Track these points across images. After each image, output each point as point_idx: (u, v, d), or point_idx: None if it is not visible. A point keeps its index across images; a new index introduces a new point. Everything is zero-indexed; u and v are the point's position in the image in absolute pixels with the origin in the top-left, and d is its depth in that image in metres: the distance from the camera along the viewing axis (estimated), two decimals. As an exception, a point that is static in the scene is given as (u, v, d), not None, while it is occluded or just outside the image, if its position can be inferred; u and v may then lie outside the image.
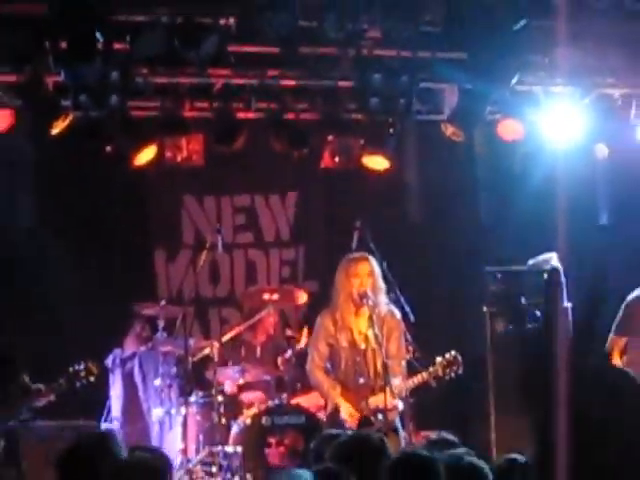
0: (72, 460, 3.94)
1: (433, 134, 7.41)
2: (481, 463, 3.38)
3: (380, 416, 6.23)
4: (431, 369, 6.27)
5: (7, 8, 6.40)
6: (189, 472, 6.38)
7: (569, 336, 6.99)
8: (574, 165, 6.71)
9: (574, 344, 7.19)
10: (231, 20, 6.56)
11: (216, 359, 7.02)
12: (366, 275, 6.28)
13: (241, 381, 6.90)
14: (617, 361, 6.74)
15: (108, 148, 6.89)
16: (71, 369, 6.48)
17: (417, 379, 6.32)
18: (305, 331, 7.05)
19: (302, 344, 6.98)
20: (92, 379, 6.59)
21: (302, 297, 7.69)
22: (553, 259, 6.87)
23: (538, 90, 6.88)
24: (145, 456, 4.17)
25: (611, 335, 6.83)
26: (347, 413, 6.31)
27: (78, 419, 6.17)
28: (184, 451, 6.44)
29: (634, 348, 6.74)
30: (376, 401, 6.21)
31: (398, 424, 6.39)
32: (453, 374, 6.34)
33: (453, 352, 6.33)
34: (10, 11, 6.43)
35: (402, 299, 6.52)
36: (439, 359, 6.29)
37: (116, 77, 6.66)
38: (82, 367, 6.49)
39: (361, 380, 6.33)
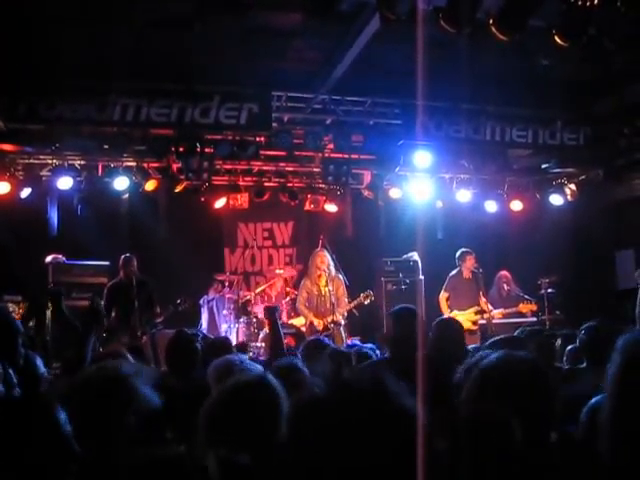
0: (176, 343, 5.04)
1: (358, 195, 11.06)
2: None
3: (332, 326, 9.58)
4: (357, 300, 9.77)
5: (155, 131, 9.54)
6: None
7: (421, 290, 10.62)
8: (425, 209, 10.83)
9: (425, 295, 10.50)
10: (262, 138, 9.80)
11: (252, 301, 10.75)
12: (324, 258, 9.68)
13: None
14: (444, 304, 10.14)
15: (202, 199, 10.74)
16: (177, 300, 9.05)
17: (350, 305, 9.75)
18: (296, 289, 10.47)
19: (294, 295, 10.59)
20: (187, 307, 9.08)
21: (294, 272, 11.61)
22: (415, 255, 10.93)
23: (407, 174, 10.78)
24: (221, 339, 6.53)
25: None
26: (317, 324, 9.61)
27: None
28: (236, 345, 8.42)
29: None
30: (331, 319, 9.57)
31: (342, 330, 9.71)
32: (367, 302, 9.82)
33: (369, 291, 9.81)
34: (156, 133, 9.60)
35: (341, 272, 9.81)
36: (362, 294, 9.79)
37: (206, 165, 10.11)
38: (182, 300, 9.00)
39: (322, 309, 9.74)
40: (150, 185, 10.40)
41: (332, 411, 1.48)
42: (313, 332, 9.45)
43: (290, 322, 10.48)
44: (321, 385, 1.55)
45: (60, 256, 9.68)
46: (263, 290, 11.12)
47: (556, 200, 11.42)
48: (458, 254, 10.23)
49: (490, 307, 9.82)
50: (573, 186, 11.41)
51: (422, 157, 10.37)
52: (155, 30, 7.74)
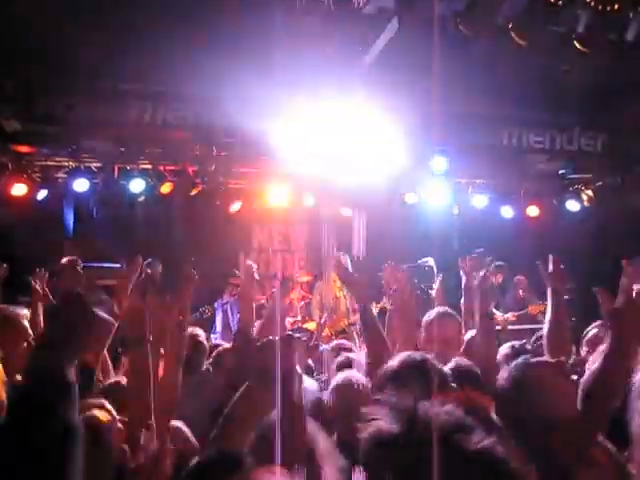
0: None
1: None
2: None
3: (350, 328, 9.74)
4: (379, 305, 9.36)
5: (172, 133, 9.71)
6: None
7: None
8: (440, 214, 11.06)
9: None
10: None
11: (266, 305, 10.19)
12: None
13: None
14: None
15: (218, 202, 10.89)
16: (201, 309, 9.42)
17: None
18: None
19: (308, 299, 10.88)
20: (209, 314, 9.55)
21: (310, 276, 11.72)
22: (430, 261, 10.42)
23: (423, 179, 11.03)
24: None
25: None
26: (327, 332, 9.72)
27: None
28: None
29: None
30: (346, 322, 9.77)
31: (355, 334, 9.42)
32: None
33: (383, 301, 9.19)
34: (173, 135, 9.92)
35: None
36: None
37: (223, 168, 10.39)
38: (205, 309, 9.47)
39: (337, 312, 10.07)
40: (166, 188, 10.51)
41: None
42: (322, 334, 9.47)
43: (305, 326, 10.48)
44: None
45: (75, 258, 9.72)
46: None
47: (573, 206, 11.45)
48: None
49: (498, 313, 9.72)
50: (590, 192, 11.40)
51: (438, 162, 10.45)
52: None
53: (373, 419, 1.52)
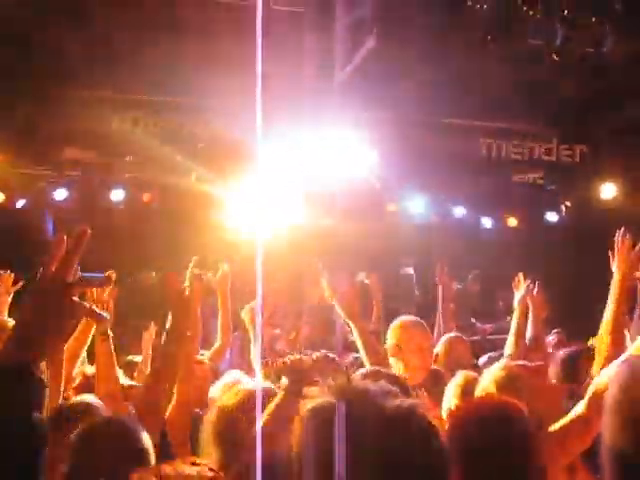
0: None
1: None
2: None
3: None
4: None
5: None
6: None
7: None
8: (420, 224, 11.45)
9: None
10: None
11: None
12: None
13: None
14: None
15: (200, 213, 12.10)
16: None
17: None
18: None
19: None
20: None
21: None
22: (410, 270, 11.04)
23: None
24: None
25: None
26: None
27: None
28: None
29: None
30: None
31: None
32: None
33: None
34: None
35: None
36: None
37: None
38: None
39: None
40: (146, 197, 10.47)
41: None
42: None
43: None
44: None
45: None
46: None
47: (552, 217, 11.50)
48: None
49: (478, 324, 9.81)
50: (569, 203, 11.50)
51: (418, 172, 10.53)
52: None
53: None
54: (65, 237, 1.75)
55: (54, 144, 9.52)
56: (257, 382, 3.20)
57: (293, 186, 9.91)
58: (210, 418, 2.88)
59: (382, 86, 8.47)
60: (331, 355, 2.95)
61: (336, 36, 6.55)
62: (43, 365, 1.58)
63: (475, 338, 9.85)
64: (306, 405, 1.62)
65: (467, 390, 3.35)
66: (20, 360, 1.54)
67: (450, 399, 3.36)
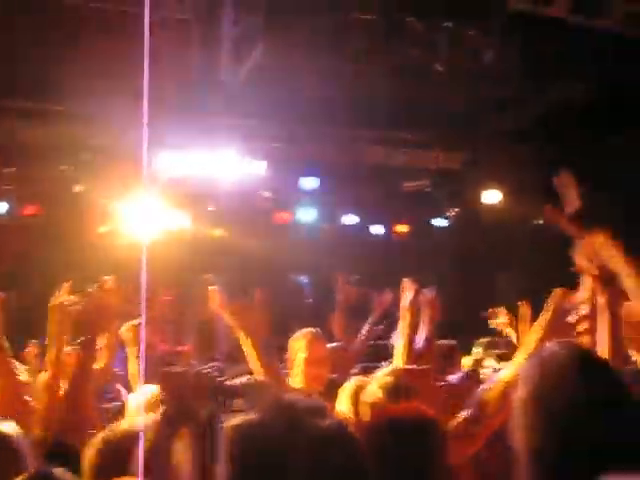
0: None
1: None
2: None
3: None
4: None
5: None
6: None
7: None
8: (311, 232, 11.87)
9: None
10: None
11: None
12: None
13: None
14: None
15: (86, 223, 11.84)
16: None
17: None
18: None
19: None
20: None
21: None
22: (304, 278, 12.22)
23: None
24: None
25: None
26: None
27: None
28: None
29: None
30: None
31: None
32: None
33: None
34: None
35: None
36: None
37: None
38: None
39: None
40: (29, 210, 10.20)
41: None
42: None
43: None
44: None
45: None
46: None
47: (439, 222, 11.75)
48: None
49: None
50: (456, 209, 11.79)
51: (308, 181, 10.60)
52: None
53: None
54: None
55: None
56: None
57: (181, 198, 9.80)
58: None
59: (270, 97, 8.48)
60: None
61: (223, 47, 6.50)
62: None
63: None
64: (230, 422, 1.59)
65: (357, 395, 3.37)
66: None
67: (341, 404, 3.35)
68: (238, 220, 11.05)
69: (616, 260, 2.13)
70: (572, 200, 2.22)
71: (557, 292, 3.30)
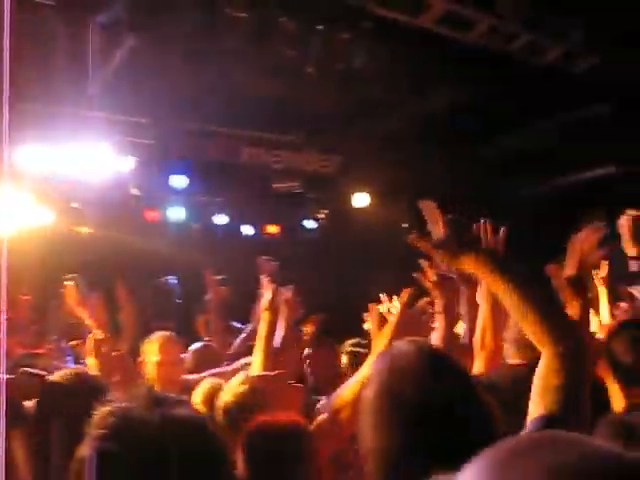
0: None
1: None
2: None
3: None
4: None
5: None
6: None
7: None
8: (183, 233, 11.76)
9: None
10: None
11: None
12: None
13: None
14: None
15: None
16: None
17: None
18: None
19: None
20: None
21: None
22: (174, 278, 11.98)
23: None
24: None
25: None
26: None
27: None
28: None
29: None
30: None
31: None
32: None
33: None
34: None
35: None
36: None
37: None
38: None
39: None
40: None
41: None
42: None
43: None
44: None
45: None
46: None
47: (310, 224, 11.86)
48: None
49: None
50: (326, 210, 11.95)
51: (178, 180, 10.41)
52: None
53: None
54: None
55: None
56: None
57: (45, 193, 9.44)
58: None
59: (140, 91, 8.32)
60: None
61: (89, 36, 6.30)
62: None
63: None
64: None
65: (210, 397, 3.40)
66: None
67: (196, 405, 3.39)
68: (104, 217, 10.88)
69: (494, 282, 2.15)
70: (437, 229, 2.24)
71: (405, 292, 3.42)
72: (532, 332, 1.95)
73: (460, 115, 9.26)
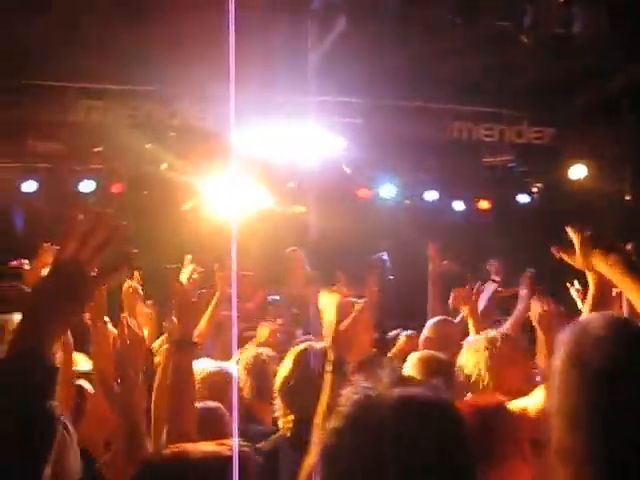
0: None
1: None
2: None
3: None
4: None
5: None
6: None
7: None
8: (394, 210, 11.72)
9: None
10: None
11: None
12: None
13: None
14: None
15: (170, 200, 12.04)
16: None
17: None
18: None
19: None
20: None
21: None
22: (385, 255, 11.92)
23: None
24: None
25: None
26: None
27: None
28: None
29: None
30: None
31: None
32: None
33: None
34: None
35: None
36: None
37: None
38: None
39: None
40: (116, 188, 10.35)
41: None
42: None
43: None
44: None
45: (25, 261, 9.58)
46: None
47: (523, 198, 11.52)
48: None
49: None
50: (540, 184, 11.59)
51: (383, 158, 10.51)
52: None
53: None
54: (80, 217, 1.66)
55: (20, 136, 9.31)
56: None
57: (264, 174, 9.88)
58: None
59: (351, 71, 8.48)
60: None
61: (306, 21, 6.50)
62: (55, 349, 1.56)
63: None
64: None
65: None
66: (31, 346, 1.51)
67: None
68: (319, 196, 11.22)
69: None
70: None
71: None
72: None
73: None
